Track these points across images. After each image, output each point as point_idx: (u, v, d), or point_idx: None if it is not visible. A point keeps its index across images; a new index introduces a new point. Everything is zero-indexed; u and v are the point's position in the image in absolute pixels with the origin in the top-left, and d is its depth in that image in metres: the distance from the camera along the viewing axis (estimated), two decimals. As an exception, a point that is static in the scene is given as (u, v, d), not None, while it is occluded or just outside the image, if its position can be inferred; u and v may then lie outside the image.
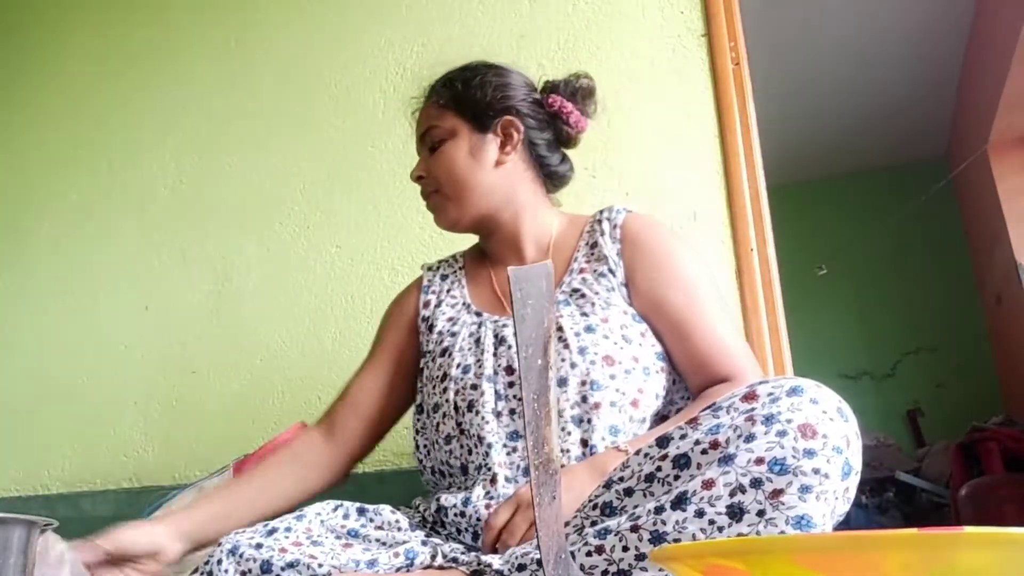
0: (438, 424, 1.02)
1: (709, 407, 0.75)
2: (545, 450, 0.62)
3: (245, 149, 1.80)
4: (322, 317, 1.64)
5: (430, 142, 1.10)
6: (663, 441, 0.75)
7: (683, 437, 0.73)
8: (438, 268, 1.20)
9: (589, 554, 0.70)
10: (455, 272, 1.18)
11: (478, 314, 1.08)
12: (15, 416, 1.79)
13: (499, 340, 1.01)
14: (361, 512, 0.93)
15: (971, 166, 3.41)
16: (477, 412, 0.97)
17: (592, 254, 1.07)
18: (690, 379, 1.01)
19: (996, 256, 3.37)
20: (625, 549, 0.68)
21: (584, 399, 0.94)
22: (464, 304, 1.12)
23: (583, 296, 1.02)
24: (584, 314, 0.99)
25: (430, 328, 1.12)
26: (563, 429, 0.93)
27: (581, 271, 1.05)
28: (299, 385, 1.62)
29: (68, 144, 1.94)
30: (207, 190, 1.80)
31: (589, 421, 0.93)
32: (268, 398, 1.63)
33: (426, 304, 1.15)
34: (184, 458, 1.64)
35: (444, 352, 1.05)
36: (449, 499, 0.95)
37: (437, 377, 1.04)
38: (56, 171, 1.93)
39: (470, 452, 0.98)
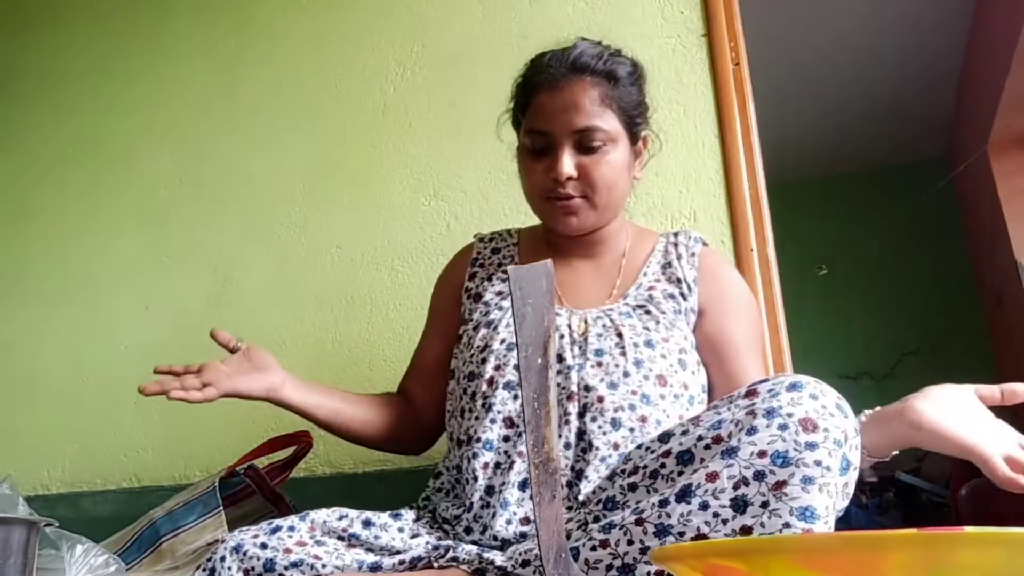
0: (473, 393, 1.00)
1: (711, 406, 0.76)
2: (545, 449, 0.62)
3: (245, 149, 1.80)
4: (322, 317, 1.64)
5: (588, 142, 1.00)
6: (665, 436, 0.76)
7: (684, 433, 0.74)
8: (490, 240, 1.18)
9: (594, 548, 0.70)
10: (508, 248, 1.16)
11: None
12: (15, 416, 1.79)
13: None
14: (366, 524, 0.92)
15: (971, 166, 3.41)
16: (514, 394, 0.96)
17: (665, 274, 1.07)
18: None
19: (996, 256, 3.37)
20: (630, 543, 0.68)
21: (632, 407, 0.93)
22: None
23: (648, 312, 1.01)
24: (646, 328, 0.99)
25: (475, 298, 1.10)
26: (600, 428, 0.92)
27: (650, 288, 1.05)
28: (299, 385, 1.62)
29: (67, 145, 1.94)
30: (207, 190, 1.80)
31: (632, 431, 0.92)
32: (268, 398, 1.63)
33: (472, 276, 1.13)
34: (184, 458, 1.64)
35: (490, 324, 1.03)
36: (451, 511, 0.96)
37: (478, 347, 1.02)
38: (56, 172, 1.93)
39: (493, 429, 0.97)
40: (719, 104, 1.50)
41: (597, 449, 0.90)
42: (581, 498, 0.87)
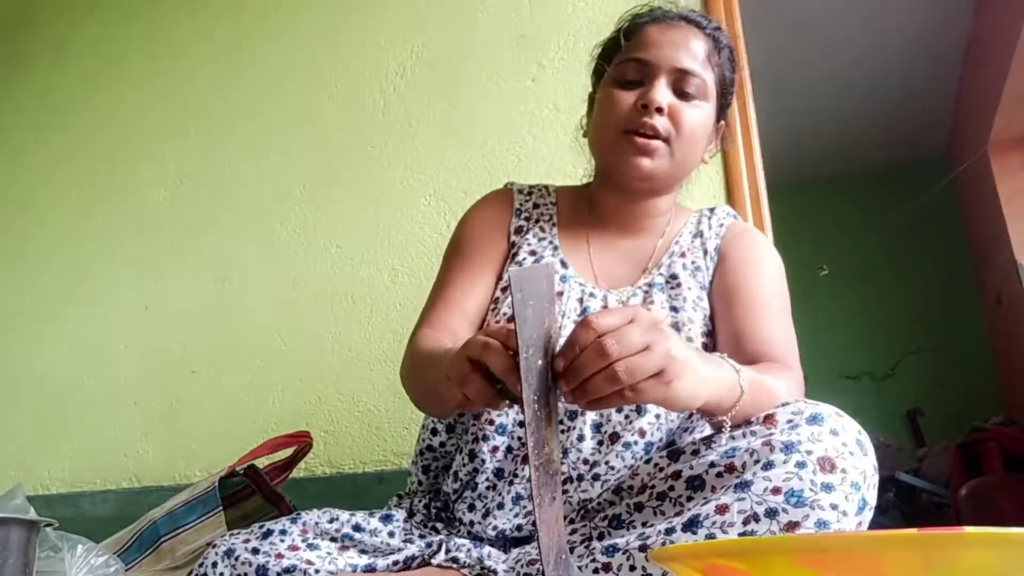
0: None
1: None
2: (545, 451, 0.61)
3: (245, 149, 1.80)
4: (322, 318, 1.64)
5: (684, 86, 0.94)
6: (675, 454, 0.74)
7: (696, 454, 0.72)
8: (529, 193, 1.08)
9: (596, 572, 0.69)
10: (547, 205, 1.07)
11: (563, 264, 0.98)
12: (15, 416, 1.79)
13: (583, 310, 0.94)
14: (356, 529, 0.90)
15: (971, 166, 3.41)
16: None
17: (694, 243, 1.02)
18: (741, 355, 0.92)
19: (996, 256, 3.37)
20: (632, 569, 0.68)
21: None
22: (552, 246, 1.01)
23: (679, 285, 0.96)
24: (675, 308, 0.94)
25: (514, 256, 1.01)
26: (626, 416, 0.87)
27: (682, 255, 1.00)
28: (299, 385, 1.62)
29: (68, 145, 1.94)
30: (207, 190, 1.80)
31: (657, 417, 0.87)
32: (268, 398, 1.63)
33: (518, 230, 1.03)
34: (184, 458, 1.64)
35: None
36: (451, 484, 0.92)
37: (506, 314, 0.94)
38: (56, 172, 1.93)
39: (507, 413, 0.91)
40: (719, 104, 1.50)
41: (624, 440, 0.85)
42: (589, 494, 0.84)
